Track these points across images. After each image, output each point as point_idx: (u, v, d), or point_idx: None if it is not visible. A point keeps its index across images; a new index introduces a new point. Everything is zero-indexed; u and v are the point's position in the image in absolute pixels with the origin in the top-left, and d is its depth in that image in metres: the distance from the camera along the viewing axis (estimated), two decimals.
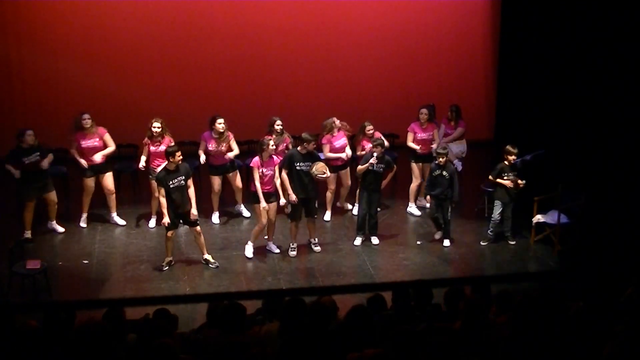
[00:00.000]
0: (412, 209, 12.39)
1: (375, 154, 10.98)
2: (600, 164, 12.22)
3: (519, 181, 11.03)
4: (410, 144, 12.22)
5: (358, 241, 11.29)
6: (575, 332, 5.92)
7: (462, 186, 13.34)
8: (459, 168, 13.18)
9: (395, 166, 11.42)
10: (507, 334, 5.92)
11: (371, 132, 11.77)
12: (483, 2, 15.16)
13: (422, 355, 5.38)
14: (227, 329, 6.31)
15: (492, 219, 11.20)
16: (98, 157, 11.48)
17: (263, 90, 14.55)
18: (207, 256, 10.61)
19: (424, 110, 12.19)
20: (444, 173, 11.01)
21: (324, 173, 10.72)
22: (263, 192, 10.63)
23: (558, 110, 13.43)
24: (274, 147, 10.74)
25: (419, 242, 11.34)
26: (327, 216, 12.12)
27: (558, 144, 12.92)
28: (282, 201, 10.80)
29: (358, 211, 11.39)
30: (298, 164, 10.70)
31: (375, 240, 11.28)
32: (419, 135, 12.21)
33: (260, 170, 10.57)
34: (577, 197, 10.95)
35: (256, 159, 10.65)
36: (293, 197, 10.67)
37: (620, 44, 12.21)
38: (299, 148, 10.85)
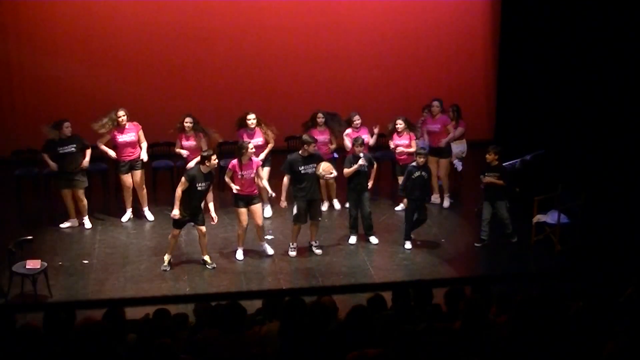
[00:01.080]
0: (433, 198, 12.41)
1: (362, 155, 10.95)
2: (600, 164, 12.22)
3: (488, 179, 10.86)
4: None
5: (353, 239, 11.25)
6: (575, 332, 5.92)
7: (462, 186, 13.39)
8: (459, 168, 13.19)
9: (375, 164, 11.35)
10: (507, 334, 5.92)
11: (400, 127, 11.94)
12: (483, 2, 15.16)
13: (422, 355, 5.38)
14: (227, 329, 6.31)
15: (482, 219, 11.12)
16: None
17: (263, 90, 14.55)
18: (206, 257, 10.60)
19: (436, 103, 12.31)
20: (424, 174, 10.92)
21: (331, 173, 10.72)
22: (244, 195, 10.59)
23: (558, 110, 13.44)
24: (253, 149, 10.67)
25: (418, 242, 11.32)
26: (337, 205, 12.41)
27: (558, 144, 12.92)
28: (283, 204, 10.82)
29: (349, 212, 11.34)
30: (302, 167, 10.62)
31: (374, 239, 11.26)
32: (430, 126, 12.33)
33: (239, 173, 10.49)
34: (577, 197, 10.95)
35: (234, 161, 10.58)
36: (284, 204, 10.73)
37: (620, 44, 12.22)
38: (300, 151, 10.78)
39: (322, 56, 14.80)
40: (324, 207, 12.11)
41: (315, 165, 10.62)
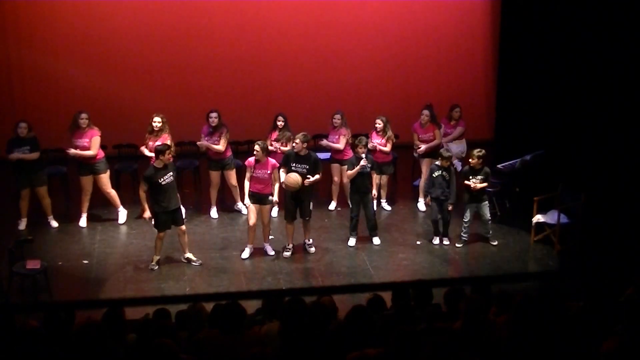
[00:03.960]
0: (420, 204, 12.46)
1: (364, 156, 10.93)
2: (600, 164, 12.22)
3: (477, 185, 10.90)
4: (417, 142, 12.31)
5: (352, 242, 11.22)
6: (575, 332, 5.92)
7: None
8: (459, 168, 13.18)
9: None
10: (507, 334, 5.92)
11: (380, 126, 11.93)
12: (483, 2, 15.17)
13: (422, 355, 5.38)
14: (227, 329, 6.31)
15: (463, 220, 11.15)
16: (72, 152, 11.52)
17: (263, 90, 14.56)
18: (189, 255, 10.60)
19: (426, 112, 12.21)
20: (444, 174, 10.99)
21: (294, 187, 10.47)
22: (253, 192, 10.63)
23: (558, 111, 13.44)
24: (262, 152, 10.53)
25: (418, 242, 11.32)
26: (332, 206, 12.40)
27: (558, 144, 12.92)
28: (275, 198, 10.75)
29: (350, 214, 11.28)
30: (293, 164, 10.63)
31: (376, 240, 11.25)
32: (421, 136, 12.24)
33: (251, 170, 10.57)
34: (577, 197, 10.95)
35: (251, 158, 10.66)
36: (275, 198, 10.66)
37: (620, 44, 12.22)
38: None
39: (322, 56, 14.80)
40: (332, 206, 12.40)
41: (307, 167, 10.56)
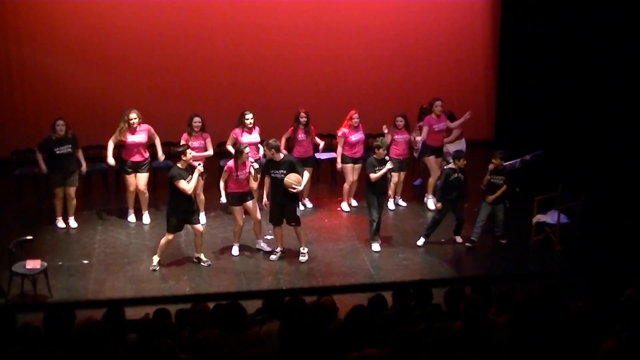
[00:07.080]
0: (429, 202, 12.45)
1: (387, 157, 10.89)
2: (600, 164, 12.22)
3: (501, 191, 10.86)
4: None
5: (376, 247, 11.04)
6: (575, 332, 5.92)
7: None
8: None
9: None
10: (507, 334, 5.92)
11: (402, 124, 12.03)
12: (483, 2, 15.17)
13: (422, 355, 5.38)
14: (227, 329, 6.31)
15: (477, 220, 11.08)
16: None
17: (263, 90, 14.56)
18: (201, 255, 10.63)
19: (438, 102, 12.30)
20: (460, 175, 10.91)
21: (294, 188, 10.42)
22: (239, 193, 10.63)
23: (558, 111, 13.44)
24: (249, 151, 10.66)
25: (419, 243, 11.30)
26: (345, 207, 12.38)
27: (558, 144, 12.92)
28: (264, 201, 10.70)
29: (371, 217, 11.01)
30: (273, 171, 10.51)
31: (376, 247, 11.17)
32: (435, 126, 12.31)
33: (235, 174, 10.52)
34: (577, 197, 10.95)
35: (230, 163, 10.63)
36: (264, 201, 10.59)
37: (620, 44, 12.21)
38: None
39: (322, 56, 14.80)
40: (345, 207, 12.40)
41: (284, 172, 10.42)
